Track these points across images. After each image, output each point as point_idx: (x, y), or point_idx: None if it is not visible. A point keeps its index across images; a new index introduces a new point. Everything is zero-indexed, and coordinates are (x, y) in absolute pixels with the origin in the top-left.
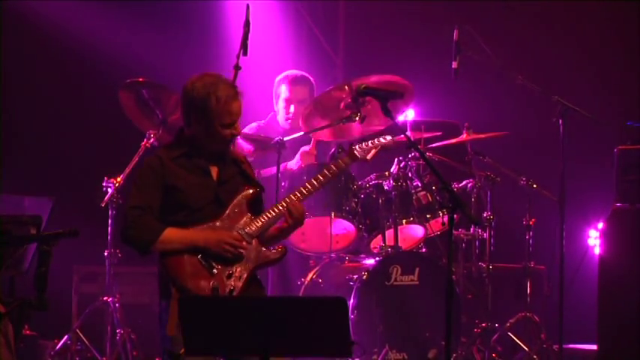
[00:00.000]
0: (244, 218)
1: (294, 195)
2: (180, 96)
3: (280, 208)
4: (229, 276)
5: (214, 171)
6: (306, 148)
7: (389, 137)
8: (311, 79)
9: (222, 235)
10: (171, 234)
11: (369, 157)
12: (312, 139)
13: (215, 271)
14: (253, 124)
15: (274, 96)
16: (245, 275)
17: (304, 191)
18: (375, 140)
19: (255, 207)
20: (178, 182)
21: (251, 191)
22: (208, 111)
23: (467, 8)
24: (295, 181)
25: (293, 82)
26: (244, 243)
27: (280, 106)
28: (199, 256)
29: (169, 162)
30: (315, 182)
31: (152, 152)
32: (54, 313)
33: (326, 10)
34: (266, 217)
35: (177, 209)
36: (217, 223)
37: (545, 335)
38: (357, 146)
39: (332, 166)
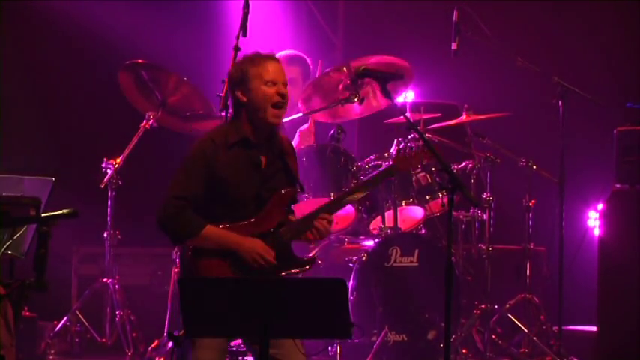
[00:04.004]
0: (279, 219)
1: (325, 213)
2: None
3: (312, 230)
4: None
5: (263, 163)
6: (304, 126)
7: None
8: (307, 59)
9: (256, 244)
10: (210, 233)
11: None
12: (310, 119)
13: None
14: None
15: None
16: None
17: (334, 207)
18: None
19: (291, 206)
20: (227, 175)
21: (289, 193)
22: (246, 73)
23: None
24: None
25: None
26: (273, 257)
27: None
28: (229, 263)
29: (224, 150)
30: (346, 196)
31: (206, 135)
32: (53, 294)
33: None
34: (299, 230)
35: (218, 201)
36: (252, 221)
37: (544, 316)
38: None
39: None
